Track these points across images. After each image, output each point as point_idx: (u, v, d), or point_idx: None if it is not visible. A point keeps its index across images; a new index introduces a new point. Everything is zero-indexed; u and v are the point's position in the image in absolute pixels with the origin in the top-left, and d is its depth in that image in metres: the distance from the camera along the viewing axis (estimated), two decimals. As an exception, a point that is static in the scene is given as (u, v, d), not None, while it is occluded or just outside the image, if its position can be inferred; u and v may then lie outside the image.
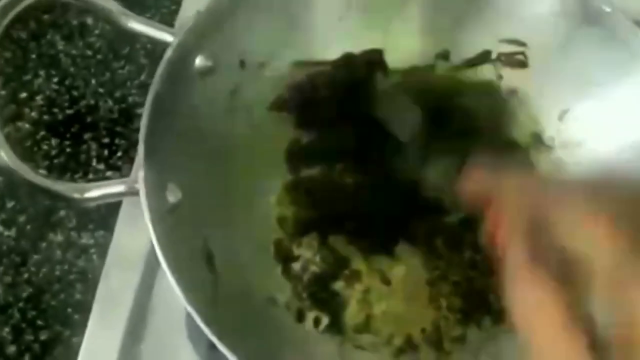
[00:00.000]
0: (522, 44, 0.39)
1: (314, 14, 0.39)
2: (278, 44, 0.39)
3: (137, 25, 0.35)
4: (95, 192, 0.32)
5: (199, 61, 0.36)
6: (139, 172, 0.32)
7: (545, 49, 0.38)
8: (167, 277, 0.41)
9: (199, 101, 0.36)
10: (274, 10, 0.38)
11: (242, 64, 0.38)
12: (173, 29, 0.35)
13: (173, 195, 0.34)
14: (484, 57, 0.40)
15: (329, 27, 0.39)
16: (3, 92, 0.54)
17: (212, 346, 0.39)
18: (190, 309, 0.29)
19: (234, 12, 0.36)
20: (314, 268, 0.39)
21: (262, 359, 0.30)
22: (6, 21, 0.32)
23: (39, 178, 0.31)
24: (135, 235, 0.41)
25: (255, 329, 0.34)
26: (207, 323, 0.29)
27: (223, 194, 0.37)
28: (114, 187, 0.33)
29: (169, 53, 0.34)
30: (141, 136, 0.32)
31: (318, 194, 0.40)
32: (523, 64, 0.39)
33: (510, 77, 0.40)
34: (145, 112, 0.32)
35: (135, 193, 0.32)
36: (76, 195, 0.32)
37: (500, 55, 0.40)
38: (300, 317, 0.37)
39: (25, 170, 0.31)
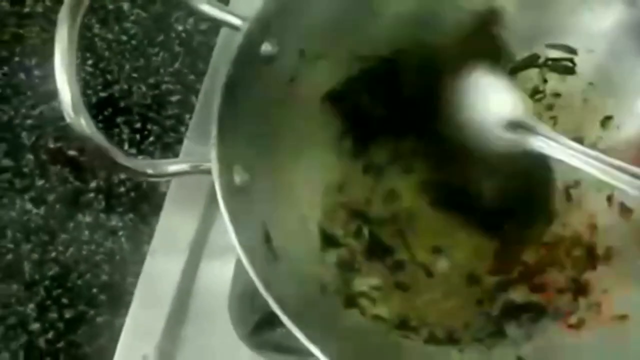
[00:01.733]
0: (572, 51, 0.40)
1: (376, 7, 0.40)
2: (337, 37, 0.40)
3: (208, 7, 0.36)
4: (170, 168, 0.33)
5: (264, 47, 0.36)
6: (211, 152, 0.32)
7: (594, 57, 0.39)
8: (212, 261, 0.42)
9: (261, 87, 0.37)
10: (335, 1, 0.39)
11: (302, 53, 0.39)
12: (239, 13, 0.36)
13: (239, 177, 0.34)
14: (531, 61, 0.41)
15: (388, 22, 0.40)
16: (38, 72, 0.54)
17: (254, 330, 0.40)
18: (253, 274, 0.30)
19: (299, 0, 0.37)
20: (360, 258, 0.40)
21: (317, 332, 0.31)
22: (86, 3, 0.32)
23: (116, 152, 0.32)
24: (182, 219, 0.42)
25: (307, 311, 0.34)
26: (266, 287, 0.30)
27: (280, 180, 0.38)
28: (185, 164, 0.33)
29: (240, 37, 0.35)
30: (214, 117, 0.33)
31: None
32: (570, 71, 0.41)
33: (556, 82, 0.41)
34: (219, 94, 0.33)
35: (205, 171, 0.33)
36: (150, 171, 0.32)
37: (547, 59, 0.41)
38: (348, 303, 0.38)
39: (102, 141, 0.32)
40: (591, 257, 0.39)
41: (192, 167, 0.33)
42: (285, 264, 0.35)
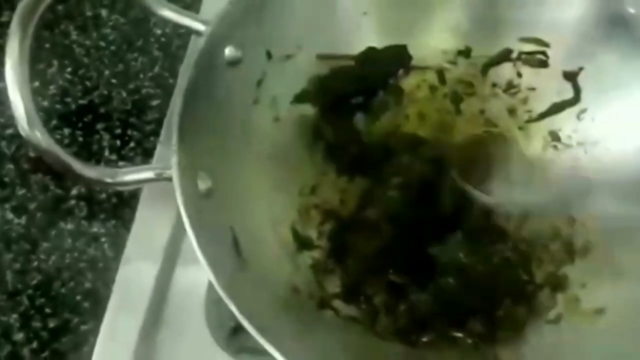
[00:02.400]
0: (545, 44, 0.39)
1: (340, 7, 0.39)
2: (304, 37, 0.39)
3: (169, 12, 0.36)
4: (129, 176, 0.33)
5: (228, 51, 0.36)
6: (172, 158, 0.32)
7: (566, 49, 0.39)
8: (187, 266, 0.41)
9: (227, 91, 0.37)
10: (301, 2, 0.38)
11: (269, 55, 0.39)
12: (203, 18, 0.36)
13: (203, 183, 0.34)
14: (504, 55, 0.41)
15: (354, 21, 0.40)
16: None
17: (231, 335, 0.40)
18: (218, 286, 0.30)
19: (264, 2, 0.36)
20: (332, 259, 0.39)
21: (287, 341, 0.30)
22: (38, 15, 0.32)
23: (73, 161, 0.31)
24: (156, 224, 0.41)
25: (278, 314, 0.34)
26: (233, 300, 0.30)
27: (247, 184, 0.38)
28: (147, 173, 0.33)
29: (202, 42, 0.34)
30: (174, 122, 0.32)
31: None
32: (544, 64, 0.40)
33: (530, 76, 0.41)
34: (179, 99, 0.33)
35: (168, 179, 0.32)
36: (108, 180, 0.32)
37: (521, 53, 0.41)
38: (322, 305, 0.37)
39: (59, 153, 0.31)
40: (569, 252, 0.39)
41: (155, 174, 0.33)
42: (254, 271, 0.35)
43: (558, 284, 0.38)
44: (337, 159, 0.41)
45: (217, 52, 0.36)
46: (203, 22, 0.35)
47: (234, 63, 0.37)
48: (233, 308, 0.29)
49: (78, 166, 0.32)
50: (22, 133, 0.31)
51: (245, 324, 0.29)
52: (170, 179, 0.32)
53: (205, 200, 0.34)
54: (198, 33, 0.35)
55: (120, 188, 0.32)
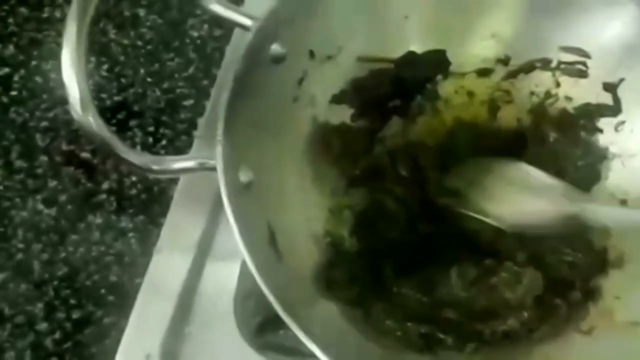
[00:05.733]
0: (585, 54, 0.40)
1: (381, 10, 0.40)
2: (345, 38, 0.40)
3: (216, 6, 0.36)
4: (175, 165, 0.33)
5: (274, 48, 0.36)
6: (216, 148, 0.32)
7: (607, 60, 0.39)
8: (218, 261, 0.42)
9: (269, 87, 0.37)
10: (344, 4, 0.39)
11: (312, 54, 0.39)
12: (250, 13, 0.36)
13: (244, 175, 0.34)
14: (542, 64, 0.41)
15: (395, 25, 0.40)
16: (54, 76, 0.55)
17: (258, 331, 0.40)
18: (254, 270, 0.30)
19: (311, 2, 0.37)
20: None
21: (317, 330, 0.30)
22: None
23: (122, 147, 0.32)
24: (189, 218, 0.42)
25: (310, 311, 0.34)
26: (268, 285, 0.30)
27: (284, 180, 0.38)
28: (191, 162, 0.33)
29: (250, 36, 0.35)
30: (221, 113, 0.33)
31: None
32: (583, 74, 0.40)
33: (568, 86, 0.41)
34: (226, 91, 0.33)
35: (212, 168, 0.33)
36: (155, 167, 0.32)
37: (560, 63, 0.41)
38: (352, 303, 0.37)
39: (110, 138, 0.32)
40: (603, 262, 0.39)
41: (197, 164, 0.33)
42: (288, 264, 0.35)
43: (591, 294, 0.38)
44: (347, 170, 0.41)
45: (264, 47, 0.36)
46: (250, 17, 0.36)
47: (278, 60, 0.37)
48: (266, 291, 0.29)
49: (126, 152, 0.32)
50: (75, 116, 0.31)
51: (278, 308, 0.29)
52: (213, 169, 0.32)
53: (245, 193, 0.34)
54: (244, 28, 0.36)
55: (164, 176, 0.33)
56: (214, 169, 0.33)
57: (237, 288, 0.40)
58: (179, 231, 0.42)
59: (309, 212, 0.39)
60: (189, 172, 0.34)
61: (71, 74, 0.31)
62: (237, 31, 0.47)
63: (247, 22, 0.36)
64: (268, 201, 0.36)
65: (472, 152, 0.40)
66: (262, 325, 0.40)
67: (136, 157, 0.33)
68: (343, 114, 0.42)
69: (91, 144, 0.47)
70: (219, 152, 0.32)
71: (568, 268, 0.39)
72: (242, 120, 0.35)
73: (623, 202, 0.39)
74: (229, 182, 0.32)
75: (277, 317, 0.31)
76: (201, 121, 0.46)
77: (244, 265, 0.41)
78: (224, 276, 0.41)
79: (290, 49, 0.37)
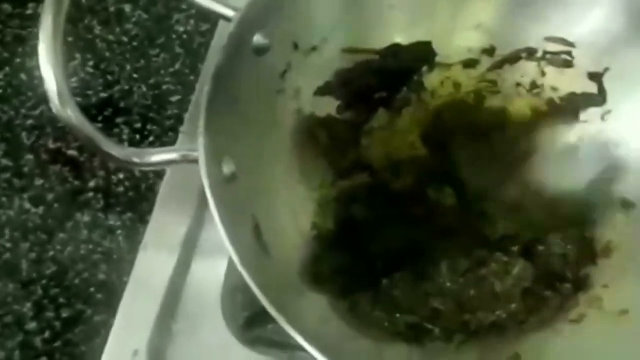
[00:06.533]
0: (570, 44, 0.39)
1: (367, 1, 0.40)
2: (330, 29, 0.39)
3: (202, -1, 0.36)
4: (155, 157, 0.33)
5: (256, 38, 0.36)
6: (198, 139, 0.32)
7: (592, 49, 0.39)
8: (204, 258, 0.41)
9: (252, 78, 0.37)
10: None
11: (295, 45, 0.39)
12: (233, 4, 0.36)
13: (227, 167, 0.34)
14: (527, 54, 0.41)
15: (380, 15, 0.40)
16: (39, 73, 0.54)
17: (246, 325, 0.39)
18: (239, 264, 0.29)
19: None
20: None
21: (305, 323, 0.30)
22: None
23: (103, 140, 0.32)
24: (174, 216, 0.41)
25: (296, 298, 0.34)
26: (253, 279, 0.29)
27: (269, 172, 0.38)
28: (173, 154, 0.33)
29: (231, 26, 0.34)
30: (202, 104, 0.32)
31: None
32: (569, 64, 0.40)
33: (554, 76, 0.41)
34: (207, 81, 0.33)
35: (194, 161, 0.32)
36: (136, 160, 0.32)
37: (545, 53, 0.41)
38: (339, 294, 0.37)
39: (89, 130, 0.31)
40: (592, 252, 0.38)
41: (180, 156, 0.33)
42: (274, 257, 0.35)
43: (580, 284, 0.38)
44: (335, 162, 0.41)
45: (246, 38, 0.36)
46: (233, 8, 0.36)
47: (261, 51, 0.37)
48: (252, 285, 0.29)
49: (108, 145, 0.32)
50: (54, 109, 0.31)
51: (264, 301, 0.29)
52: (195, 161, 0.32)
53: (229, 185, 0.34)
54: (227, 19, 0.36)
55: (147, 168, 0.32)
56: (196, 161, 0.32)
57: (224, 283, 0.40)
58: (164, 228, 0.42)
59: (296, 205, 0.39)
60: (172, 164, 0.33)
61: (48, 67, 0.30)
62: (221, 24, 0.47)
63: (229, 13, 0.36)
64: (253, 194, 0.36)
65: (460, 128, 0.40)
66: (250, 320, 0.39)
67: (118, 149, 0.32)
68: (328, 106, 0.41)
69: (76, 140, 0.46)
70: (200, 143, 0.32)
71: (558, 259, 0.39)
72: (225, 112, 0.34)
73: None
74: (211, 173, 0.32)
75: (264, 311, 0.30)
76: (186, 116, 0.45)
77: (231, 260, 0.40)
78: (211, 272, 0.41)
79: (273, 40, 0.37)
